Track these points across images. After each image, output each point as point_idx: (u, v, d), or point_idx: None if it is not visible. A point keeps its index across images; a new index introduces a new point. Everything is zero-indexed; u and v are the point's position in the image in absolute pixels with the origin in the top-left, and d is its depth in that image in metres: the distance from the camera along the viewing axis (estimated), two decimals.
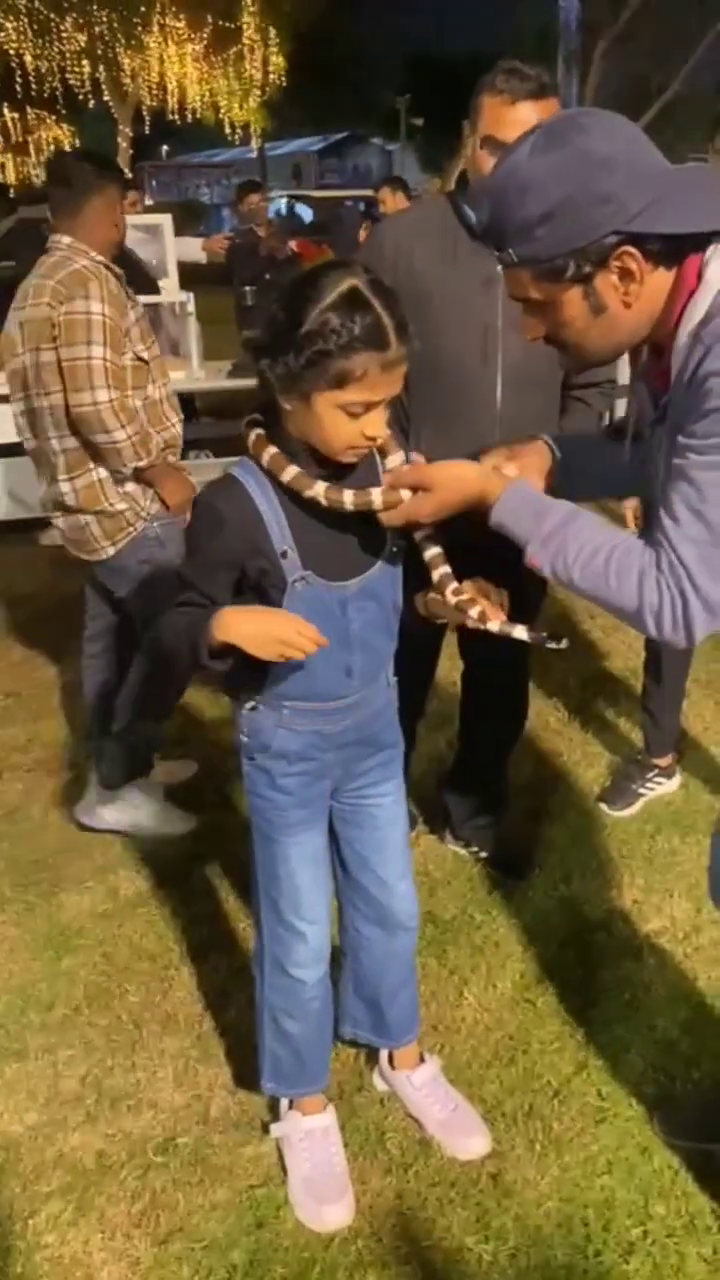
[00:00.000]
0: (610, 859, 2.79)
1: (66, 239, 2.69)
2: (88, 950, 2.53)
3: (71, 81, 17.84)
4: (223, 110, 20.37)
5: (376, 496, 1.54)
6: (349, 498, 1.52)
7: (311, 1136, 1.91)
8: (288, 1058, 1.90)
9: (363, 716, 1.75)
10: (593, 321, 1.31)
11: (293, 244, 8.57)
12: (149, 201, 22.61)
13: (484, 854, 2.77)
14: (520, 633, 1.49)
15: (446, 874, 2.74)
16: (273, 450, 1.54)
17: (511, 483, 1.47)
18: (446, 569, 1.58)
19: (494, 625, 1.53)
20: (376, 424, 1.48)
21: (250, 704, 1.71)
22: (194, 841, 2.92)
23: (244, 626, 1.48)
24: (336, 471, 1.55)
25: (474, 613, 1.53)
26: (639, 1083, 2.09)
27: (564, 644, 1.50)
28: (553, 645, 1.49)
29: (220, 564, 1.57)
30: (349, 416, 1.45)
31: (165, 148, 39.11)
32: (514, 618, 1.55)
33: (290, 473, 1.53)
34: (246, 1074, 2.13)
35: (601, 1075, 2.11)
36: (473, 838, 2.78)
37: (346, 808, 1.84)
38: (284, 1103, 1.98)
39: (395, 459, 1.63)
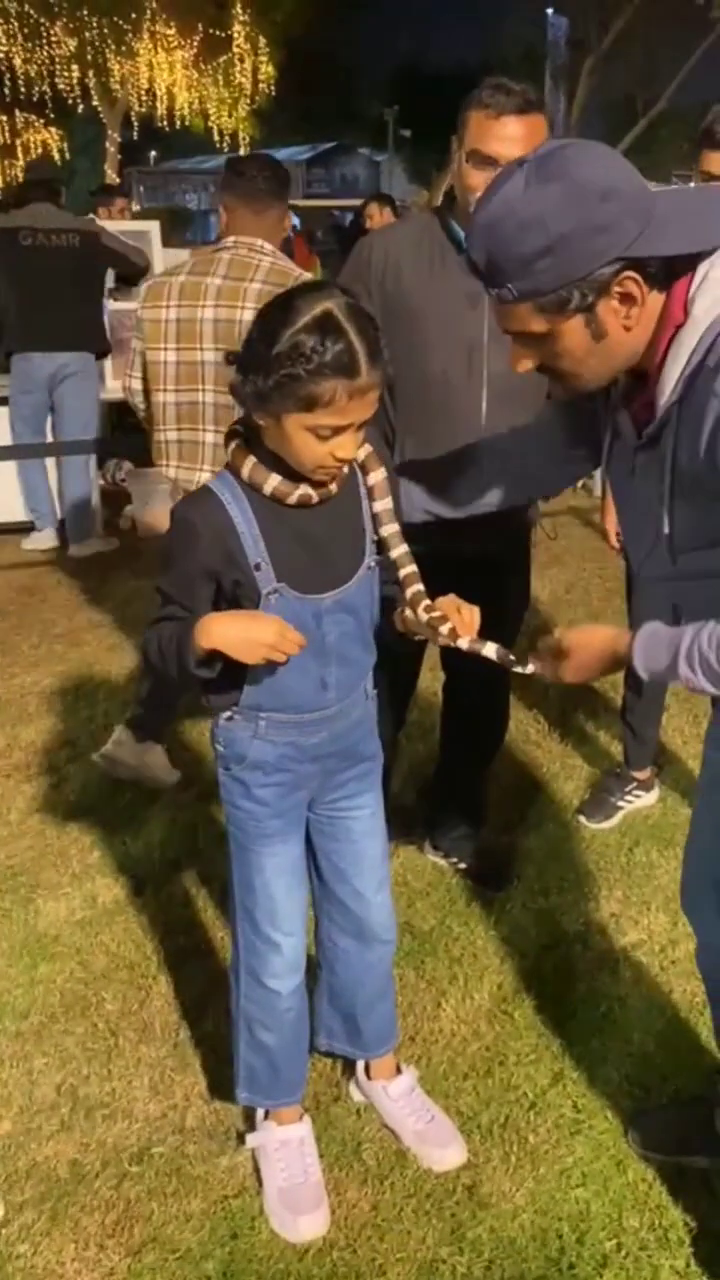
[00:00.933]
0: (588, 872, 2.80)
1: (258, 241, 2.70)
2: (64, 958, 2.52)
3: (61, 86, 17.82)
4: (212, 117, 20.41)
5: (506, 656, 1.56)
6: (492, 651, 1.54)
7: (287, 1147, 1.90)
8: (263, 1068, 1.89)
9: (340, 729, 1.75)
10: (593, 348, 1.32)
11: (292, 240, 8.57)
12: (136, 207, 22.59)
13: (463, 865, 2.77)
14: (489, 651, 1.51)
15: (425, 885, 2.74)
16: (252, 461, 1.56)
17: (640, 632, 1.45)
18: (419, 586, 1.61)
19: (463, 642, 1.54)
20: (347, 446, 1.49)
21: (226, 714, 1.71)
22: (173, 849, 2.91)
23: (228, 631, 1.49)
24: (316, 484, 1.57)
25: (444, 630, 1.54)
26: (614, 1095, 2.10)
27: (530, 669, 1.51)
28: (518, 669, 1.50)
29: (197, 575, 1.58)
30: (318, 438, 1.46)
31: (154, 153, 39.10)
32: (494, 634, 1.56)
33: (271, 483, 1.54)
34: (223, 1084, 2.13)
35: (577, 1087, 2.12)
36: (452, 849, 2.79)
37: (323, 819, 1.84)
38: (260, 1113, 1.98)
39: (376, 476, 1.65)
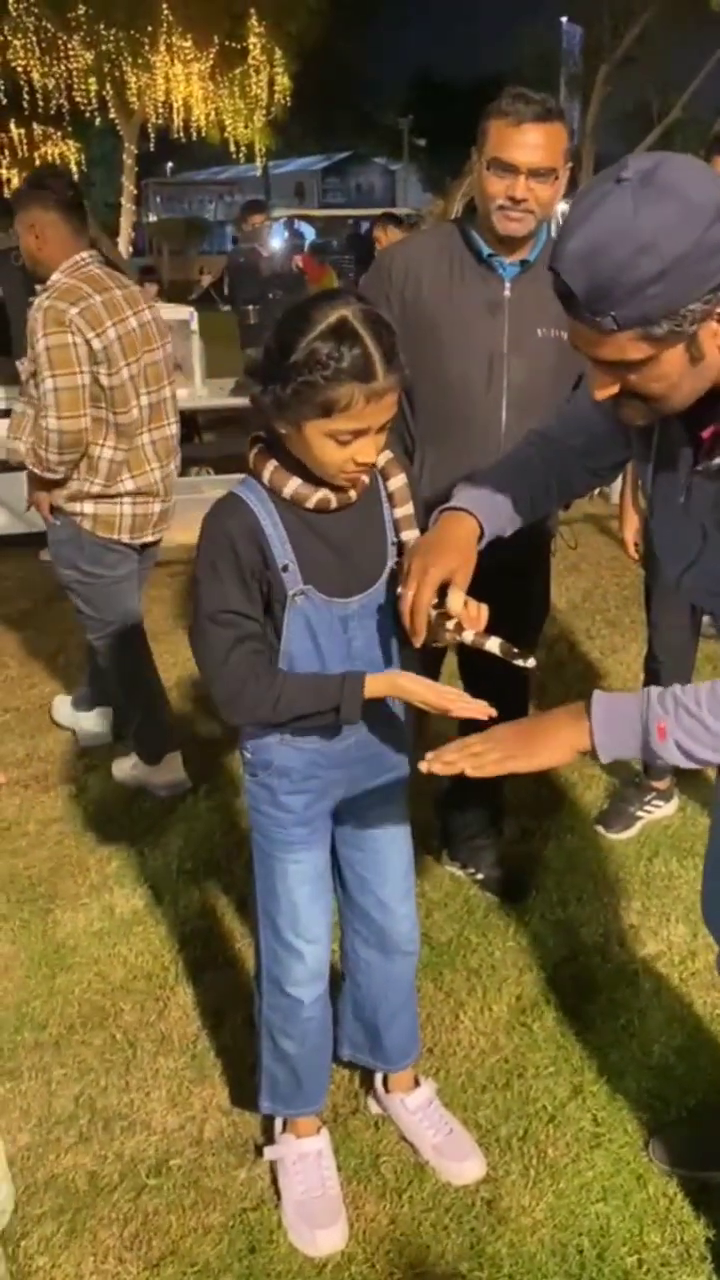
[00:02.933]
0: (607, 882, 2.79)
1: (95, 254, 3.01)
2: (83, 968, 2.52)
3: (78, 99, 17.96)
4: (228, 129, 20.50)
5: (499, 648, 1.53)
6: (495, 645, 1.52)
7: (305, 1160, 1.90)
8: (285, 1077, 1.89)
9: (366, 736, 1.75)
10: (688, 372, 1.25)
11: (298, 260, 8.61)
12: (153, 217, 22.71)
13: (480, 875, 2.76)
14: (493, 645, 1.49)
15: (443, 896, 2.73)
16: (273, 465, 1.57)
17: (592, 715, 1.38)
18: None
19: (468, 635, 1.53)
20: (368, 451, 1.49)
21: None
22: (190, 860, 2.92)
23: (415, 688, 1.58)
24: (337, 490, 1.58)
25: (450, 624, 1.53)
26: (634, 1108, 2.08)
27: (531, 663, 1.49)
28: (519, 663, 1.48)
29: (247, 579, 1.58)
30: (338, 444, 1.48)
31: (170, 165, 39.33)
32: (515, 642, 1.55)
33: (291, 486, 1.56)
34: (241, 1095, 2.13)
35: (597, 1100, 2.11)
36: (470, 859, 2.78)
37: (348, 829, 1.84)
38: (278, 1125, 1.97)
39: (396, 481, 1.66)
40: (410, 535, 1.66)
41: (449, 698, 1.55)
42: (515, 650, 1.48)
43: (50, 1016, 2.37)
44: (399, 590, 1.56)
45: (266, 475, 1.57)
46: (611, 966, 2.48)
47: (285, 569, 1.57)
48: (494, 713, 1.48)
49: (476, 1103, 2.11)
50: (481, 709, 1.50)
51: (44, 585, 5.23)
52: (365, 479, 1.59)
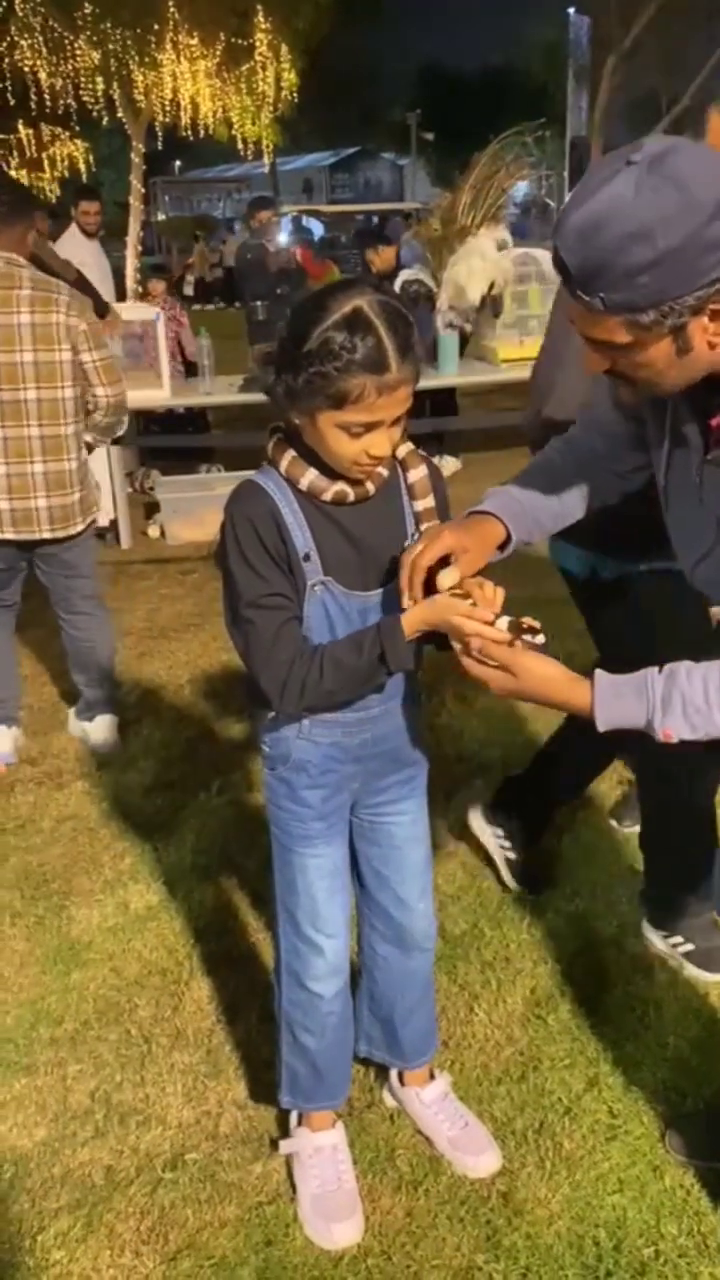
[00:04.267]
0: (622, 875, 2.78)
1: (14, 255, 3.13)
2: (97, 964, 2.53)
3: (85, 98, 17.96)
4: (235, 126, 20.46)
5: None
6: (504, 623, 1.46)
7: (320, 1153, 1.90)
8: (305, 1071, 1.89)
9: (384, 730, 1.74)
10: (675, 362, 1.24)
11: (297, 253, 8.59)
12: (161, 216, 22.72)
13: (511, 854, 2.73)
14: (501, 624, 1.45)
15: (457, 889, 2.73)
16: (291, 455, 1.56)
17: (597, 683, 1.40)
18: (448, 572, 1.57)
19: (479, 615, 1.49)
20: (381, 444, 1.48)
21: (271, 714, 1.71)
22: (204, 855, 2.92)
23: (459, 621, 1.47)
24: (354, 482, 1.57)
25: (465, 605, 1.49)
26: (650, 1100, 2.08)
27: (540, 639, 1.44)
28: (528, 639, 1.44)
29: (277, 559, 1.56)
30: (350, 436, 1.47)
31: (178, 163, 39.35)
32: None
33: (309, 477, 1.55)
34: (256, 1090, 2.13)
35: (613, 1092, 2.10)
36: (509, 830, 2.75)
37: (365, 824, 1.84)
38: (293, 1119, 1.97)
39: (416, 473, 1.65)
40: (431, 528, 1.64)
41: (500, 634, 1.44)
42: (524, 625, 1.43)
43: (66, 1012, 2.38)
44: (405, 545, 1.56)
45: (284, 465, 1.56)
46: (626, 959, 2.47)
47: (306, 558, 1.56)
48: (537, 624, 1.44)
49: (492, 1095, 2.11)
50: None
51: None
52: (383, 472, 1.58)
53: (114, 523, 5.83)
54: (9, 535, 3.21)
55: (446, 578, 1.50)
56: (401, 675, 1.70)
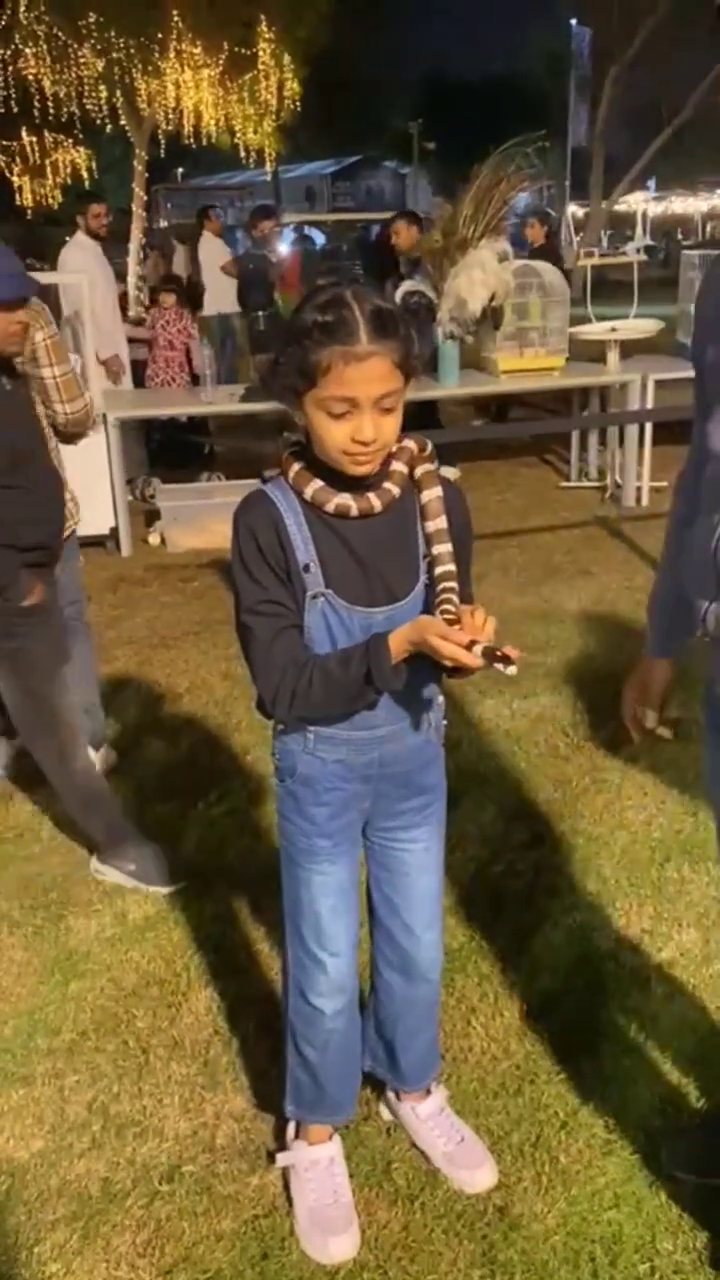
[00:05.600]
0: (619, 887, 2.78)
1: None
2: (95, 975, 2.53)
3: (89, 106, 18.03)
4: (238, 134, 20.55)
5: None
6: (478, 650, 1.42)
7: (317, 1166, 1.90)
8: (308, 1084, 1.89)
9: (394, 752, 1.73)
10: None
11: (286, 261, 8.61)
12: (164, 223, 22.78)
13: None
14: (477, 649, 1.43)
15: (454, 901, 2.73)
16: (298, 466, 1.58)
17: None
18: (449, 594, 1.56)
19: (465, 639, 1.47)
20: (364, 429, 1.48)
21: (280, 726, 1.72)
22: (204, 864, 2.92)
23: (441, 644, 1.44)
24: (356, 485, 1.57)
25: (455, 628, 1.48)
26: (647, 1115, 2.08)
27: (511, 670, 1.41)
28: (500, 667, 1.41)
29: (277, 569, 1.57)
30: (332, 417, 1.48)
31: (180, 170, 39.44)
32: None
33: (312, 487, 1.56)
34: (253, 1101, 2.14)
35: (609, 1107, 2.10)
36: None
37: (377, 847, 1.84)
38: (290, 1131, 1.97)
39: (430, 494, 1.63)
40: (442, 549, 1.62)
41: (474, 658, 1.41)
42: (498, 653, 1.42)
43: (63, 1023, 2.38)
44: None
45: (291, 475, 1.58)
46: (623, 972, 2.48)
47: (307, 569, 1.57)
48: (516, 652, 1.42)
49: (488, 1109, 2.11)
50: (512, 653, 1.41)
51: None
52: (392, 490, 1.57)
53: (114, 530, 5.85)
54: None
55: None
56: (417, 700, 1.71)
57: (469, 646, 1.42)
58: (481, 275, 5.81)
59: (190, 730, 3.74)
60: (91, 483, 5.28)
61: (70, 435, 3.23)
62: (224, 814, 3.18)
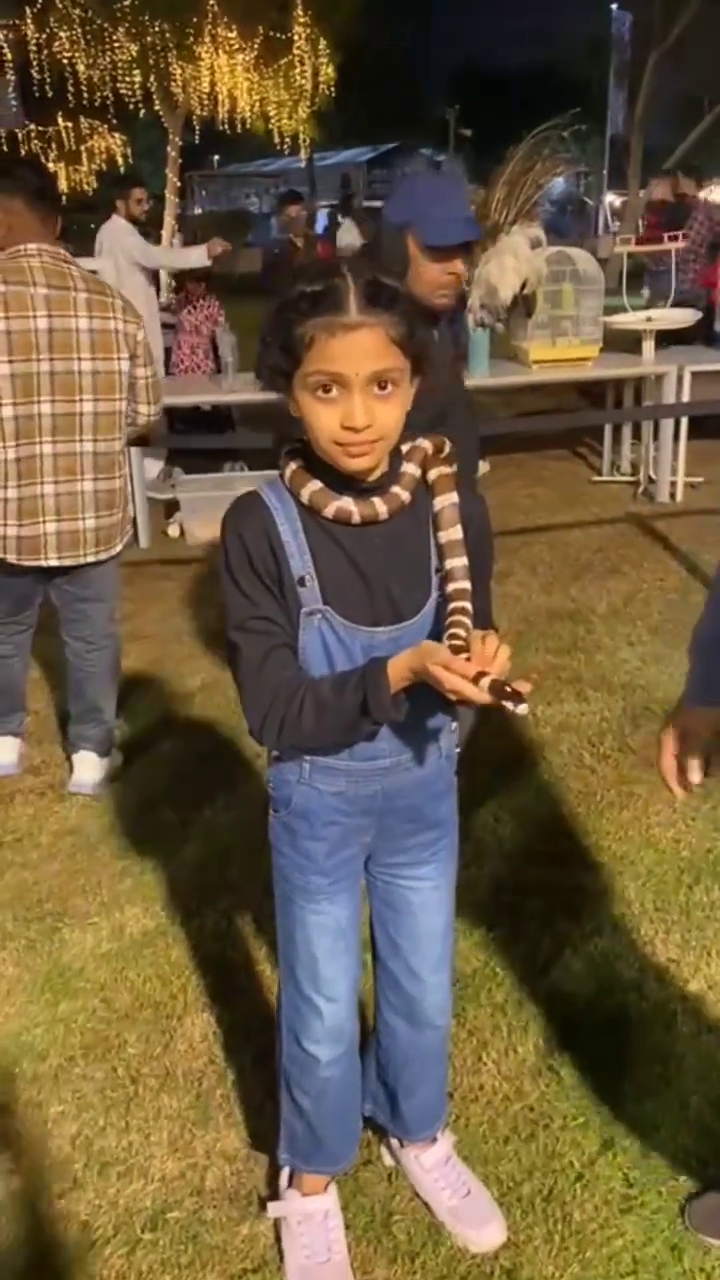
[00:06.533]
0: (644, 911, 2.62)
1: (58, 249, 2.88)
2: (88, 994, 2.40)
3: (123, 90, 17.94)
4: (272, 120, 20.41)
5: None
6: (485, 683, 1.25)
7: (310, 1220, 1.76)
8: (303, 1132, 1.75)
9: (400, 784, 1.57)
10: None
11: (319, 250, 8.47)
12: (197, 210, 22.68)
13: None
14: (484, 683, 1.26)
15: (467, 924, 2.58)
16: (295, 465, 1.42)
17: None
18: (461, 616, 1.40)
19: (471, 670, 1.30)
20: (353, 413, 1.30)
21: (275, 752, 1.57)
22: (207, 877, 2.79)
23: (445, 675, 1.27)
24: (362, 489, 1.41)
25: (460, 657, 1.30)
26: (670, 1167, 1.92)
27: (522, 709, 1.24)
28: (509, 705, 1.24)
29: (268, 582, 1.41)
30: (320, 401, 1.32)
31: (216, 157, 39.30)
32: None
33: (310, 489, 1.40)
34: (246, 1141, 2.00)
35: (629, 1158, 1.95)
36: None
37: (380, 883, 1.69)
38: (283, 1177, 1.83)
39: (444, 500, 1.46)
40: (455, 564, 1.44)
41: (480, 694, 1.24)
42: (507, 689, 1.24)
43: (51, 1046, 2.25)
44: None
45: (288, 475, 1.42)
46: (648, 1005, 2.32)
47: (302, 582, 1.41)
48: (528, 687, 1.26)
49: (498, 1155, 1.96)
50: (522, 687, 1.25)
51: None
52: (401, 495, 1.41)
53: (134, 522, 5.71)
54: (53, 561, 2.93)
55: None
56: (424, 729, 1.55)
57: (476, 679, 1.25)
58: (513, 261, 5.59)
59: (199, 732, 3.61)
60: None
61: (138, 440, 3.15)
62: (230, 821, 3.04)
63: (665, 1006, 2.31)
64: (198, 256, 6.42)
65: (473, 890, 2.68)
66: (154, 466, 6.47)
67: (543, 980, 2.39)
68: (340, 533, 1.42)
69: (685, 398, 6.11)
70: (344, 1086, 1.72)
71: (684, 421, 6.08)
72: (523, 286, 5.85)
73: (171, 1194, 1.91)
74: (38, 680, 4.03)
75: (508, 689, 1.24)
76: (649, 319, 6.38)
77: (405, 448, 1.43)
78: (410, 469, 1.44)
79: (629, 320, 6.45)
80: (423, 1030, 1.76)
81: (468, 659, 1.29)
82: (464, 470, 1.60)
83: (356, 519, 1.40)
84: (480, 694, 1.25)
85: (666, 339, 6.60)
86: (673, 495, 6.20)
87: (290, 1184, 1.81)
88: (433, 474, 1.46)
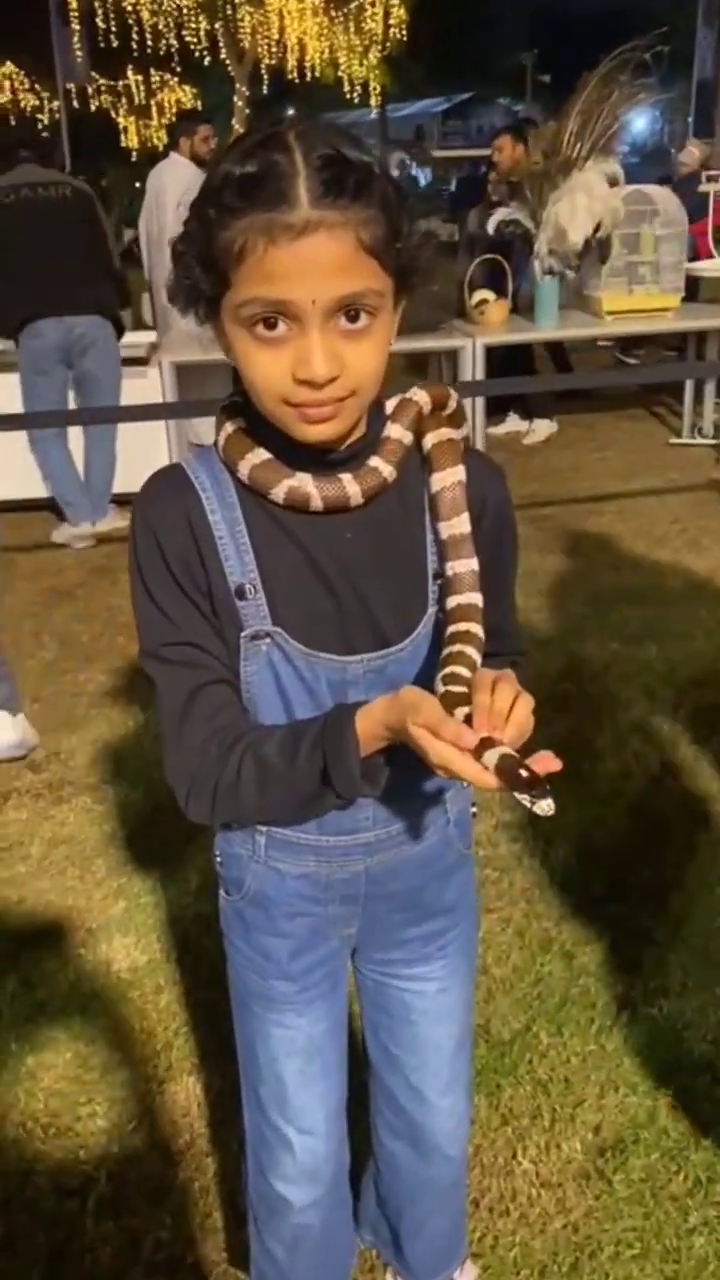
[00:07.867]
0: None
1: None
2: (59, 1047, 2.06)
3: (187, 38, 17.51)
4: (342, 67, 19.83)
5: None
6: (494, 758, 0.84)
7: None
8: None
9: (391, 863, 1.16)
10: None
11: None
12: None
13: None
14: (490, 757, 0.84)
15: (509, 973, 2.18)
16: (230, 428, 1.00)
17: None
18: (458, 652, 0.97)
19: (468, 739, 0.86)
20: (312, 358, 0.88)
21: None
22: (207, 901, 2.42)
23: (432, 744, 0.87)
24: (327, 461, 0.99)
25: (460, 713, 0.88)
26: None
27: (547, 805, 0.83)
28: (524, 799, 0.83)
29: (188, 592, 1.00)
30: (260, 342, 0.89)
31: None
32: None
33: (249, 461, 0.97)
34: (225, 1255, 1.63)
35: None
36: None
37: (369, 982, 1.29)
38: None
39: (446, 477, 1.02)
40: (460, 568, 1.02)
41: (483, 774, 0.84)
42: (523, 771, 0.83)
43: (4, 1120, 1.91)
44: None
45: (222, 441, 1.00)
46: None
47: (241, 594, 0.99)
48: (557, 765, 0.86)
49: None
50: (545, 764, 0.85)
51: (97, 555, 4.84)
52: (382, 471, 0.99)
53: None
54: None
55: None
56: (421, 793, 1.13)
57: (480, 750, 0.84)
58: (586, 201, 5.08)
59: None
60: (146, 433, 4.74)
61: None
62: None
63: None
64: None
65: (516, 932, 2.28)
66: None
67: (596, 1052, 1.99)
68: (296, 523, 1.00)
69: None
70: (326, 1234, 1.33)
71: None
72: (596, 229, 5.34)
73: None
74: (53, 662, 3.71)
75: (523, 771, 0.82)
76: None
77: (390, 402, 1.01)
78: (397, 432, 1.01)
79: (715, 267, 5.90)
80: (430, 1159, 1.36)
81: (468, 717, 0.87)
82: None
83: (318, 504, 0.98)
84: (483, 774, 0.83)
85: None
86: None
87: None
88: (430, 440, 1.03)
